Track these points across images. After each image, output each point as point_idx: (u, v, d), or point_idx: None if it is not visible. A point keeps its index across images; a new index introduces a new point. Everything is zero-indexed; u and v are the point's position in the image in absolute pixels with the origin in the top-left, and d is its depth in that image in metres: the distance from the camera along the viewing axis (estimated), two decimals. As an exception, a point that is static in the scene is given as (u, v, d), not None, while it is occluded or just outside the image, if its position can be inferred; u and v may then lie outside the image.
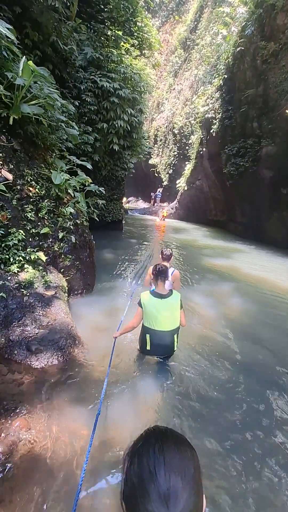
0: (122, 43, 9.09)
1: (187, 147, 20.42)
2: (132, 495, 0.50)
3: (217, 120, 13.52)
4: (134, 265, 6.98)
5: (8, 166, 3.48)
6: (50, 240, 3.91)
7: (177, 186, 19.84)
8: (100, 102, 8.37)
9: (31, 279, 3.35)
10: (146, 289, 2.87)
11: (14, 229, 3.38)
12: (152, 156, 25.56)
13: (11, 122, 3.50)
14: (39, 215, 3.77)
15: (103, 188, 6.01)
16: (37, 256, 3.53)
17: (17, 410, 2.19)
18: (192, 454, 0.54)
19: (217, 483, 1.88)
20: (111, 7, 9.49)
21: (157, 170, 25.54)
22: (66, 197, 4.30)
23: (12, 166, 3.54)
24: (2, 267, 3.22)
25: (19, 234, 3.38)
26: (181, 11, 26.34)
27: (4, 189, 3.27)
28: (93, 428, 1.83)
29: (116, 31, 9.00)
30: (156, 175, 25.72)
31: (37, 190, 3.78)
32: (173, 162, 22.94)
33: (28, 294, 3.22)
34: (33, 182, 3.75)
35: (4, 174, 3.36)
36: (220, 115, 13.31)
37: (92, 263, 4.86)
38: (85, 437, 2.06)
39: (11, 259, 3.27)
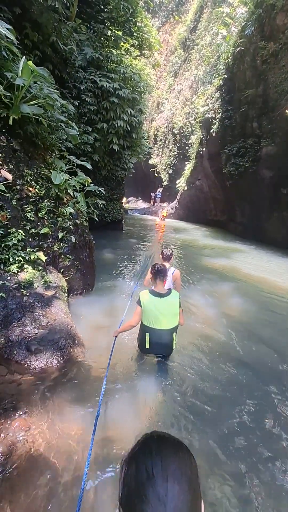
0: (122, 43, 9.10)
1: (187, 147, 20.43)
2: (129, 499, 0.50)
3: (217, 120, 13.52)
4: (134, 265, 6.98)
5: (7, 166, 3.48)
6: (50, 240, 3.91)
7: (177, 186, 19.85)
8: (100, 102, 8.38)
9: (31, 279, 3.35)
10: (146, 289, 2.88)
11: (14, 229, 3.38)
12: (152, 156, 25.57)
13: (10, 122, 3.50)
14: (39, 215, 3.77)
15: (103, 188, 6.01)
16: (37, 256, 3.53)
17: (17, 410, 2.19)
18: (189, 458, 0.54)
19: (217, 486, 1.87)
20: (111, 7, 9.50)
21: (157, 170, 25.56)
22: (65, 197, 4.30)
23: (12, 166, 3.54)
24: (2, 267, 3.22)
25: (18, 234, 3.38)
26: (180, 11, 26.36)
27: (4, 189, 3.27)
28: (93, 430, 1.82)
29: (116, 31, 9.01)
30: (156, 175, 25.74)
31: (36, 190, 3.78)
32: (173, 162, 22.95)
33: (27, 294, 3.22)
34: (32, 182, 3.75)
35: (4, 174, 3.36)
36: (220, 115, 13.31)
37: (92, 263, 4.86)
38: (85, 437, 2.06)
39: (11, 259, 3.27)
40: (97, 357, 3.02)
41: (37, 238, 3.71)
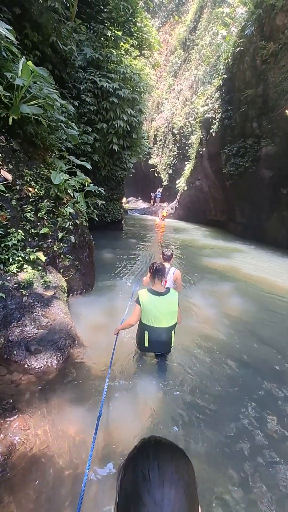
0: (121, 44, 9.10)
1: (186, 147, 20.43)
2: (126, 503, 0.49)
3: (217, 120, 13.52)
4: (133, 265, 6.98)
5: (7, 166, 3.48)
6: (50, 240, 3.91)
7: (177, 186, 19.85)
8: (100, 102, 8.38)
9: (31, 279, 3.35)
10: (145, 288, 2.88)
11: (14, 229, 3.38)
12: (151, 156, 25.57)
13: (10, 122, 3.50)
14: (39, 215, 3.77)
15: (102, 188, 6.01)
16: (37, 256, 3.53)
17: (16, 411, 2.19)
18: (187, 462, 0.54)
19: (217, 489, 1.86)
20: (111, 7, 9.50)
21: (157, 170, 25.56)
22: (65, 197, 4.30)
23: (12, 166, 3.54)
24: (2, 267, 3.22)
25: (18, 234, 3.38)
26: (180, 11, 26.36)
27: (4, 189, 3.27)
28: (95, 431, 1.81)
29: (116, 32, 9.01)
30: (156, 175, 25.74)
31: (36, 190, 3.78)
32: (173, 162, 22.95)
33: (27, 294, 3.22)
34: (32, 182, 3.75)
35: (4, 174, 3.36)
36: (219, 115, 13.32)
37: (91, 263, 4.86)
38: (85, 437, 2.06)
39: (11, 259, 3.27)
40: (97, 357, 3.02)
41: (36, 238, 3.71)
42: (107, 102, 8.27)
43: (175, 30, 26.17)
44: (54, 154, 4.70)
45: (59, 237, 4.00)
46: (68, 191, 4.35)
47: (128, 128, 8.77)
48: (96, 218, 5.87)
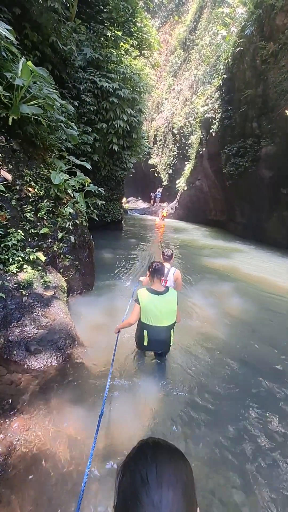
0: (121, 44, 9.10)
1: (186, 147, 20.42)
2: (124, 505, 0.49)
3: (217, 120, 13.52)
4: (133, 265, 6.98)
5: (7, 166, 3.48)
6: (49, 240, 3.91)
7: (176, 186, 19.85)
8: (100, 102, 8.38)
9: (30, 279, 3.35)
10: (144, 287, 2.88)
11: (13, 229, 3.38)
12: (151, 156, 25.57)
13: (10, 122, 3.50)
14: (38, 215, 3.77)
15: (102, 188, 6.01)
16: (36, 256, 3.53)
17: (16, 411, 2.19)
18: (185, 464, 0.54)
19: (217, 490, 1.86)
20: (111, 7, 9.50)
21: (157, 170, 25.55)
22: (65, 197, 4.30)
23: (11, 166, 3.54)
24: (1, 267, 3.22)
25: (18, 234, 3.38)
26: (180, 11, 26.36)
27: (3, 189, 3.27)
28: (96, 430, 1.81)
29: (116, 32, 9.01)
30: (156, 175, 25.73)
31: (36, 190, 3.78)
32: (173, 162, 22.95)
33: (27, 294, 3.22)
34: (32, 182, 3.75)
35: (3, 174, 3.36)
36: (219, 115, 13.32)
37: (91, 263, 4.86)
38: (85, 437, 2.06)
39: (10, 259, 3.27)
40: (97, 357, 3.02)
41: (36, 238, 3.71)
42: (107, 102, 8.27)
43: (175, 30, 26.17)
44: (54, 154, 4.70)
45: (59, 237, 4.00)
46: (68, 191, 4.35)
47: (128, 128, 8.77)
48: (96, 218, 5.87)
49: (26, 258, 3.43)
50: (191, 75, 21.80)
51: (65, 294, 3.86)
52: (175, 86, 24.71)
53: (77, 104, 7.84)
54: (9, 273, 3.24)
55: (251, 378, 3.01)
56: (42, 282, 3.48)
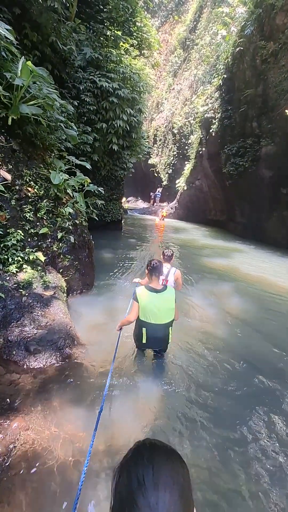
0: (121, 43, 9.10)
1: (186, 147, 20.41)
2: (121, 507, 0.49)
3: (217, 120, 13.51)
4: (133, 265, 6.98)
5: (6, 166, 3.48)
6: (49, 240, 3.91)
7: (176, 186, 19.83)
8: (99, 102, 8.37)
9: (30, 279, 3.35)
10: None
11: (13, 229, 3.38)
12: (151, 156, 25.54)
13: (10, 122, 3.50)
14: (38, 215, 3.77)
15: (102, 188, 6.02)
16: (36, 256, 3.53)
17: (16, 411, 2.19)
18: (182, 466, 0.54)
19: (216, 491, 1.86)
20: (110, 7, 9.50)
21: (157, 170, 25.53)
22: (65, 197, 4.30)
23: (11, 166, 3.54)
24: (1, 267, 3.22)
25: (17, 234, 3.38)
26: (180, 11, 26.33)
27: (3, 189, 3.27)
28: (95, 427, 1.79)
29: (115, 31, 9.00)
30: (156, 175, 25.72)
31: (36, 190, 3.78)
32: (173, 162, 22.93)
33: (26, 294, 3.22)
34: (32, 182, 3.75)
35: (3, 174, 3.36)
36: (219, 115, 13.31)
37: (91, 263, 4.86)
38: (84, 437, 2.06)
39: (10, 260, 3.27)
40: (96, 357, 3.02)
41: (36, 238, 3.71)
42: (106, 102, 8.26)
43: (175, 29, 26.14)
44: (53, 154, 4.70)
45: (59, 237, 4.00)
46: (68, 191, 4.35)
47: (128, 128, 8.77)
48: (96, 218, 5.87)
49: (26, 258, 3.43)
50: (191, 75, 21.78)
51: (65, 294, 3.86)
52: (175, 86, 24.69)
53: (76, 104, 7.84)
54: (9, 273, 3.24)
55: (251, 378, 3.01)
56: (41, 282, 3.48)
